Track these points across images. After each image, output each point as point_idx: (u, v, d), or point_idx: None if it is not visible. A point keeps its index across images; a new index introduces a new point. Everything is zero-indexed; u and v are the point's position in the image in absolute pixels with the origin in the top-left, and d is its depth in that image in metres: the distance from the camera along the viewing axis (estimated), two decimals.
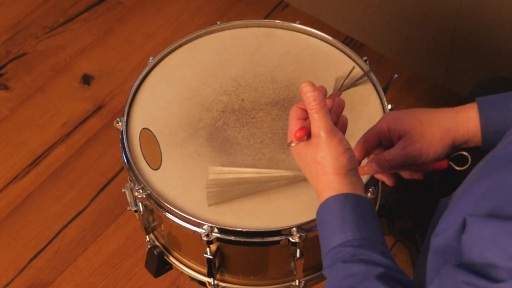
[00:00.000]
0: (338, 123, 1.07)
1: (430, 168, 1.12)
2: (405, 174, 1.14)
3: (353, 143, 1.21)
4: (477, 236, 0.82)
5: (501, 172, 0.87)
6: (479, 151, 1.09)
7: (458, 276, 0.83)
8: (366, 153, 1.13)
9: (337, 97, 1.10)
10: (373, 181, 1.18)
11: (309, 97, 0.98)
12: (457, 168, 1.11)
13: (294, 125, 1.03)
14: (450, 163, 1.11)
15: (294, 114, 1.04)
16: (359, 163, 1.12)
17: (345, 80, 1.23)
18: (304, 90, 0.99)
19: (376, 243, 0.96)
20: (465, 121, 1.07)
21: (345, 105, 1.09)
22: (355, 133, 1.23)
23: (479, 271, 0.81)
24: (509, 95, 1.09)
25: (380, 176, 1.14)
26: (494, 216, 0.81)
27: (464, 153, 1.10)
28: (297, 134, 1.00)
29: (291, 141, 1.02)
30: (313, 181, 1.02)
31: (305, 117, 1.04)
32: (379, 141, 1.12)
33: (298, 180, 1.18)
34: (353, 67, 1.27)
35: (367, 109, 1.26)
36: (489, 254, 0.80)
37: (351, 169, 1.00)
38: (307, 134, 1.00)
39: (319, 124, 0.99)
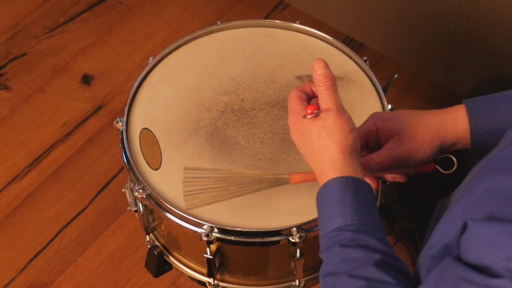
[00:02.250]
0: None
1: (415, 171, 1.11)
2: (388, 177, 1.13)
3: None
4: (475, 236, 0.82)
5: (498, 174, 0.87)
6: (474, 155, 1.08)
7: (456, 270, 0.83)
8: None
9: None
10: None
11: (321, 73, 0.99)
12: (443, 171, 1.10)
13: (296, 104, 1.03)
14: (437, 166, 1.10)
15: (295, 95, 1.04)
16: None
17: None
18: (316, 67, 0.99)
19: (374, 229, 0.96)
20: (454, 122, 1.07)
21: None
22: None
23: (476, 268, 0.81)
24: (497, 96, 1.08)
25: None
26: (492, 218, 0.81)
27: (450, 156, 1.09)
28: (309, 111, 1.00)
29: (304, 116, 1.01)
30: (315, 158, 1.01)
31: (306, 99, 1.04)
32: (365, 141, 1.10)
33: (280, 184, 1.17)
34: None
35: (367, 109, 1.26)
36: (485, 254, 0.80)
37: (355, 149, 1.00)
38: (318, 109, 1.00)
39: (328, 101, 0.99)
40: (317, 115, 1.00)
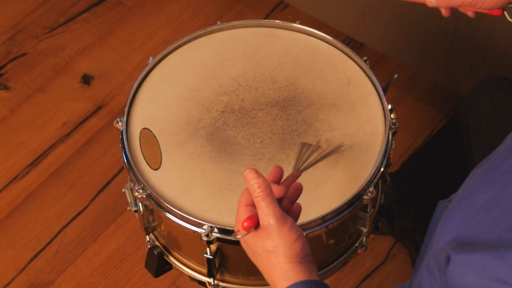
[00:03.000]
0: (292, 211, 1.01)
1: (484, 11, 1.13)
2: (461, 8, 1.14)
3: (353, 143, 1.22)
4: (460, 264, 0.83)
5: (497, 185, 0.87)
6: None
7: None
8: None
9: (295, 180, 1.04)
10: (373, 181, 1.18)
11: (253, 184, 0.93)
12: (510, 19, 1.11)
13: (242, 211, 0.97)
14: (505, 12, 1.11)
15: (243, 199, 0.97)
16: None
17: (307, 158, 1.13)
18: (248, 178, 0.93)
19: None
20: None
21: (302, 189, 1.03)
22: (355, 133, 1.23)
23: None
24: None
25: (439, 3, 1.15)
26: (470, 244, 0.82)
27: None
28: (245, 224, 0.94)
29: (237, 231, 0.96)
30: (266, 271, 0.97)
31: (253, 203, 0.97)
32: None
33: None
34: (318, 141, 1.20)
35: (367, 109, 1.26)
36: (470, 280, 0.81)
37: (305, 255, 0.96)
38: (255, 224, 0.94)
39: (267, 212, 0.93)
40: (252, 231, 0.94)
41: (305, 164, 1.10)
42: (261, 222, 0.94)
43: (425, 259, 0.98)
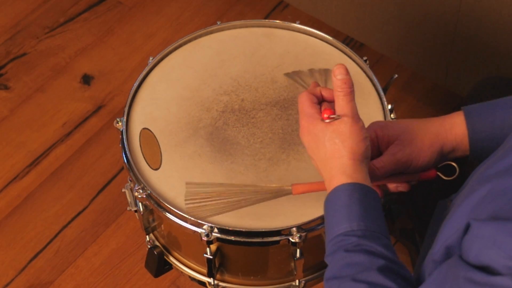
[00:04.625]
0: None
1: (417, 179, 1.11)
2: (391, 187, 1.12)
3: None
4: (476, 236, 0.82)
5: (501, 177, 0.87)
6: (473, 162, 1.08)
7: (458, 270, 0.83)
8: None
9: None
10: None
11: (341, 79, 0.99)
12: (444, 178, 1.10)
13: (309, 107, 1.04)
14: (438, 173, 1.10)
15: (306, 97, 1.05)
16: None
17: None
18: (337, 72, 1.00)
19: (379, 236, 0.97)
20: (452, 126, 1.07)
21: None
22: None
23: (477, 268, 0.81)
24: (496, 103, 1.08)
25: None
26: (495, 218, 0.82)
27: (452, 163, 1.10)
28: (325, 115, 1.01)
29: (322, 119, 1.02)
30: (326, 162, 1.01)
31: (317, 102, 1.05)
32: None
33: (282, 195, 1.16)
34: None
35: (367, 109, 1.26)
36: (487, 253, 0.80)
37: (367, 157, 1.01)
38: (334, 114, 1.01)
39: (345, 107, 1.00)
40: (335, 120, 1.01)
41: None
42: (337, 114, 1.00)
43: (424, 260, 0.98)
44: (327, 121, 1.01)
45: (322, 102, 1.07)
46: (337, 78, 1.00)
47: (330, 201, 1.00)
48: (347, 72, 1.00)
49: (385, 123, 1.10)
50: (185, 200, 1.16)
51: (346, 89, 1.00)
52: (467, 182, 0.98)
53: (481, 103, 1.09)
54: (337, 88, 1.00)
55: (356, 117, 1.00)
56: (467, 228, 0.84)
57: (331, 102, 1.05)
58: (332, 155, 1.00)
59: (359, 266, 0.93)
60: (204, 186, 1.17)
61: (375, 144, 1.09)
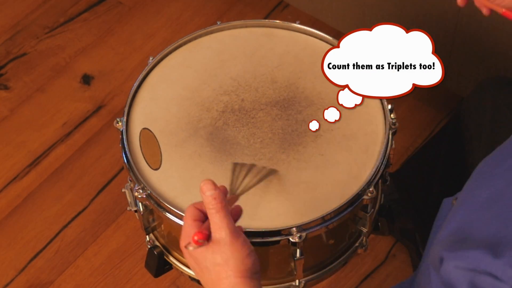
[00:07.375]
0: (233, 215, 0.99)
1: (500, 11, 1.09)
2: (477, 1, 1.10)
3: (353, 144, 1.22)
4: (452, 259, 0.84)
5: (500, 182, 0.87)
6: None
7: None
8: None
9: (234, 203, 1.04)
10: (373, 181, 1.18)
11: (209, 196, 0.93)
12: None
13: (189, 226, 0.95)
14: None
15: (189, 215, 0.96)
16: None
17: (242, 181, 1.15)
18: (204, 189, 0.93)
19: None
20: None
21: (242, 212, 1.03)
22: (356, 133, 1.23)
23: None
24: None
25: None
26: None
27: None
28: (195, 238, 0.93)
29: (188, 244, 0.94)
30: (213, 285, 0.95)
31: (202, 219, 0.97)
32: None
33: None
34: (253, 164, 1.19)
35: (367, 109, 1.26)
36: (462, 274, 0.81)
37: (256, 272, 0.95)
38: (206, 238, 0.94)
39: (221, 225, 0.93)
40: (202, 245, 0.93)
41: (241, 188, 1.11)
42: (213, 235, 0.93)
43: (428, 256, 0.98)
44: (190, 248, 0.93)
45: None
46: (206, 194, 0.93)
47: None
48: (215, 187, 0.93)
49: None
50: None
51: (217, 205, 0.92)
52: (470, 179, 0.98)
53: None
54: (207, 205, 0.93)
55: (235, 233, 0.93)
56: (440, 260, 0.86)
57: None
58: (218, 276, 0.93)
59: None
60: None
61: None
